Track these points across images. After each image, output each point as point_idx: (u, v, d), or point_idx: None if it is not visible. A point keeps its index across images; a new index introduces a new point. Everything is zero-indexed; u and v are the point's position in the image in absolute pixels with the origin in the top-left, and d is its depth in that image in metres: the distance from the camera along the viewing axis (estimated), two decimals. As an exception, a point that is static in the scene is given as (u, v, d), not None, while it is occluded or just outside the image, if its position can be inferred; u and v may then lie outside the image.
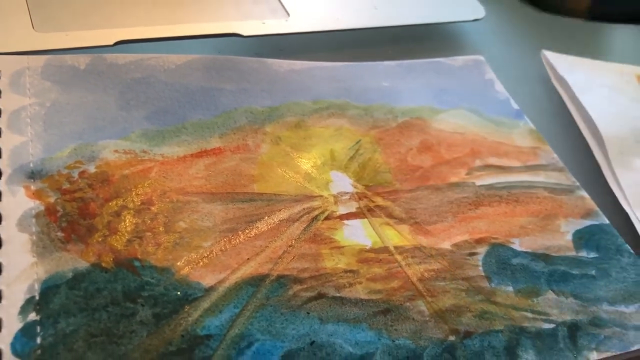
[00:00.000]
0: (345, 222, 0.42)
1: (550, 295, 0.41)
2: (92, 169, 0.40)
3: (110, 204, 0.39)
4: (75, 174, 0.40)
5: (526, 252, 0.43)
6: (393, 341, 0.36)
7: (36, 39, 0.48)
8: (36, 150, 0.40)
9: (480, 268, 0.41)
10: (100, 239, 0.37)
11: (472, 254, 0.42)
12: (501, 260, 0.42)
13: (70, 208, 0.38)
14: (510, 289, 0.40)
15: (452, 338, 0.37)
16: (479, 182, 0.47)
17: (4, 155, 0.39)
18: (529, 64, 0.63)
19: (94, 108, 0.44)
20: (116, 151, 0.42)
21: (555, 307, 0.40)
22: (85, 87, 0.45)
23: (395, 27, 0.60)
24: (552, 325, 0.39)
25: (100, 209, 0.38)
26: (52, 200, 0.38)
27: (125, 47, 0.50)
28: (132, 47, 0.50)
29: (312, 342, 0.36)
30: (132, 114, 0.44)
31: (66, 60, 0.46)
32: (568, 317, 0.40)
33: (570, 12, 0.74)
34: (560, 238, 0.45)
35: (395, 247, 0.41)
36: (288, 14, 0.57)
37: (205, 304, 0.35)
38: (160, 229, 0.38)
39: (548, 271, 0.42)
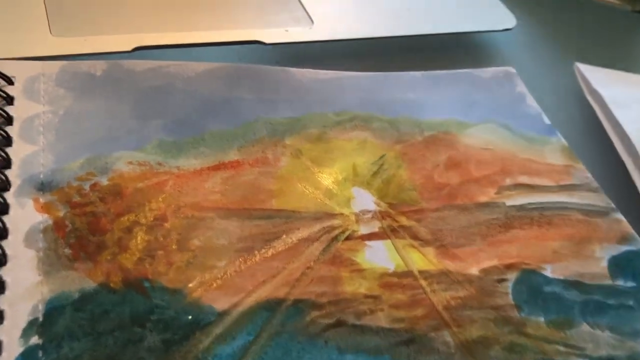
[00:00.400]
0: (367, 243, 0.40)
1: (585, 327, 0.38)
2: (104, 181, 0.39)
3: (122, 219, 0.37)
4: (87, 187, 0.38)
5: (559, 280, 0.40)
6: None
7: (53, 43, 0.47)
8: (47, 160, 0.39)
9: (510, 296, 0.39)
10: (109, 257, 0.35)
11: (502, 281, 0.39)
12: (532, 287, 0.39)
13: (79, 223, 0.36)
14: (542, 319, 0.38)
15: (479, 372, 0.35)
16: (509, 202, 0.44)
17: (14, 165, 0.38)
18: (562, 77, 0.60)
19: (109, 117, 0.42)
20: (130, 163, 0.40)
21: (590, 341, 0.37)
22: (101, 95, 0.43)
23: (422, 36, 0.58)
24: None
25: (111, 224, 0.36)
26: (61, 214, 0.36)
27: (144, 53, 0.48)
28: (151, 53, 0.48)
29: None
30: (148, 123, 0.43)
31: (81, 67, 0.44)
32: (604, 352, 0.37)
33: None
34: (595, 264, 0.42)
35: (420, 272, 0.39)
36: (312, 22, 0.55)
37: (218, 329, 0.33)
38: (173, 247, 0.36)
39: (582, 301, 0.39)
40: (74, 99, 0.42)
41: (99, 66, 0.44)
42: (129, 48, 0.47)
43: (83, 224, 0.36)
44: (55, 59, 0.45)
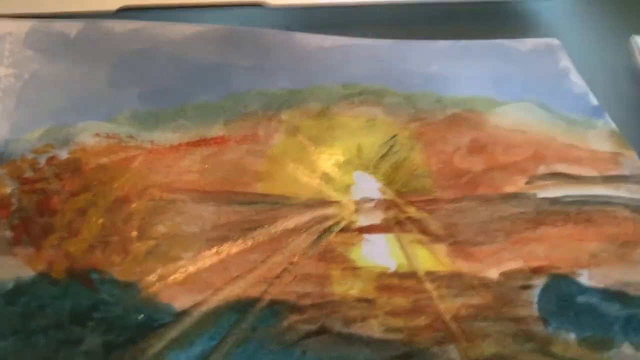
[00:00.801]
0: (366, 236, 0.34)
1: (627, 349, 0.31)
2: (64, 154, 0.34)
3: (76, 198, 0.32)
4: (43, 160, 0.34)
5: (596, 289, 0.34)
6: None
7: (28, 0, 0.42)
8: (2, 129, 0.34)
9: (535, 306, 0.32)
10: (55, 242, 0.30)
11: (526, 287, 0.33)
12: (563, 297, 0.33)
13: (27, 202, 0.32)
14: (573, 336, 0.31)
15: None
16: (541, 194, 0.38)
17: (-35, 133, 0.34)
18: (614, 52, 0.52)
19: (79, 83, 0.37)
20: (97, 135, 0.35)
21: None
22: (74, 58, 0.38)
23: (454, 3, 0.51)
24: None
25: (62, 204, 0.32)
26: (7, 190, 0.31)
27: (130, 14, 0.43)
28: (138, 15, 0.43)
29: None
30: (123, 91, 0.38)
31: (55, 27, 0.39)
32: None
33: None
34: None
35: (427, 273, 0.33)
36: (326, -17, 0.49)
37: (173, 332, 0.28)
38: (133, 233, 0.31)
39: (625, 316, 0.33)
40: (42, 62, 0.37)
41: (74, 26, 0.40)
42: (114, 8, 0.42)
43: (31, 203, 0.31)
44: (29, 19, 0.40)
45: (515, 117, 0.42)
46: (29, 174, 0.32)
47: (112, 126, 0.35)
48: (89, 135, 0.34)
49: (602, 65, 0.50)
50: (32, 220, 0.30)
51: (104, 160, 0.33)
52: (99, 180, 0.32)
